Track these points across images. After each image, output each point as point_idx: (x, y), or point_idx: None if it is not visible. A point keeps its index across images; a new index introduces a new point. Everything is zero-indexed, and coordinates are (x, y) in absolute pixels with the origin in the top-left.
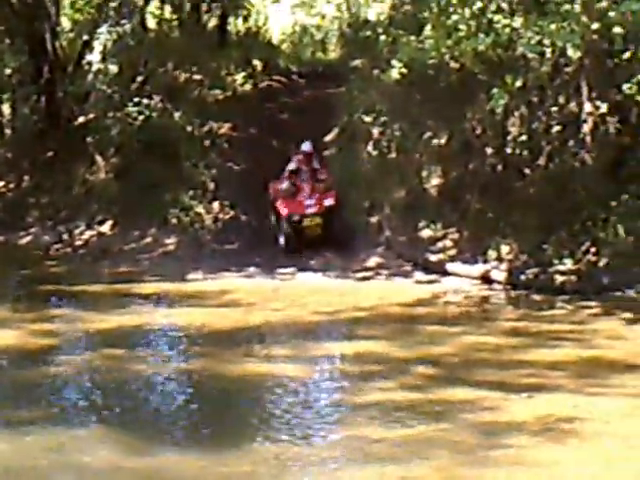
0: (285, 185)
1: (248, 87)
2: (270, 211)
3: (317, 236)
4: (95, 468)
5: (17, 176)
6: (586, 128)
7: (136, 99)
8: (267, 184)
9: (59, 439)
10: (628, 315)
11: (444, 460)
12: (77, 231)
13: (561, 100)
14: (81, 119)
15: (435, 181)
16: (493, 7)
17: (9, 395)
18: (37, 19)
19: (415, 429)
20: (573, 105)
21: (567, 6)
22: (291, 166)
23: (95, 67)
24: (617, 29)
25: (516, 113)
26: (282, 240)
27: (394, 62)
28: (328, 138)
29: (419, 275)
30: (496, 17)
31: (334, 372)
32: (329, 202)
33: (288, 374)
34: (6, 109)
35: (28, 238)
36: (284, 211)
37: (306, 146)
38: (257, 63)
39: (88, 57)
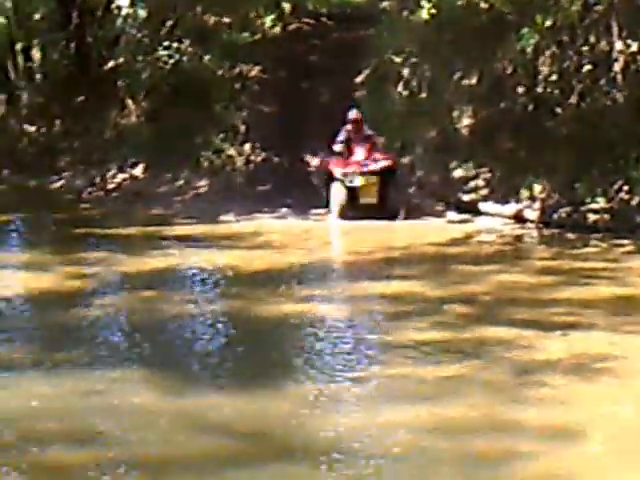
0: (338, 147)
1: (277, 30)
2: (319, 177)
3: (372, 205)
4: (135, 410)
5: (48, 121)
6: (617, 67)
7: (166, 43)
8: (298, 128)
9: (98, 382)
10: None
11: (478, 398)
12: (109, 175)
13: (592, 39)
14: (111, 64)
15: (466, 121)
16: None
17: (47, 339)
18: None
19: (450, 368)
20: (604, 44)
21: None
22: (340, 137)
23: (124, 11)
24: None
25: (547, 52)
26: (334, 207)
27: (423, 2)
28: (358, 80)
29: (452, 215)
30: None
31: (369, 312)
32: (386, 163)
33: (324, 314)
34: (36, 54)
35: (61, 182)
36: (337, 171)
37: (352, 113)
38: (286, 5)
39: (117, 2)
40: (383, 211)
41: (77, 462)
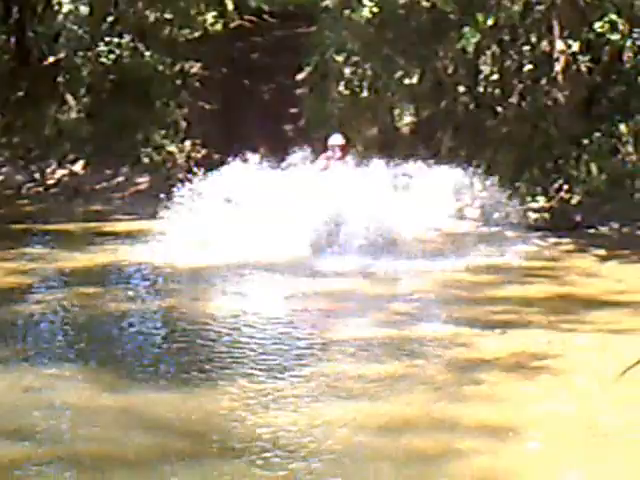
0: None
1: (219, 27)
2: None
3: None
4: (71, 406)
5: None
6: (558, 67)
7: (107, 39)
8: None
9: (36, 378)
10: (601, 252)
11: (417, 396)
12: (49, 170)
13: (533, 39)
14: (51, 59)
15: (408, 120)
16: None
17: None
18: None
19: (389, 365)
20: (545, 44)
21: None
22: (319, 165)
23: (66, 8)
24: None
25: (488, 52)
26: None
27: (365, 1)
28: (299, 77)
29: None
30: None
31: (309, 309)
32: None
33: (264, 311)
34: None
35: None
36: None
37: (336, 139)
38: (228, 2)
39: None
40: None
41: (13, 458)
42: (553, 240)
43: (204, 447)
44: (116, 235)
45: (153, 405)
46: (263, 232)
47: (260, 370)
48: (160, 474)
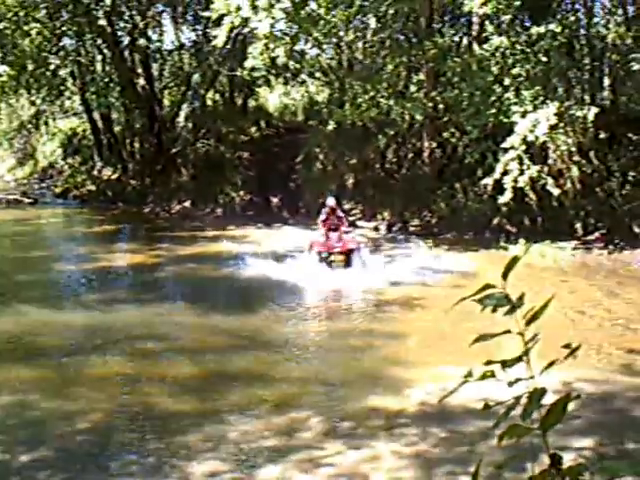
0: (320, 224)
1: (257, 135)
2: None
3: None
4: (183, 322)
5: (141, 179)
6: (425, 156)
7: (202, 141)
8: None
9: (164, 309)
10: (445, 247)
11: (355, 324)
12: (173, 205)
13: (413, 140)
14: (174, 150)
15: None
16: None
17: (139, 289)
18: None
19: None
20: (419, 144)
21: None
22: (321, 217)
23: (182, 124)
24: None
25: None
26: (315, 254)
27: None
28: (297, 160)
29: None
30: None
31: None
32: (351, 246)
33: None
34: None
35: (148, 209)
36: (315, 249)
37: (330, 201)
38: (262, 123)
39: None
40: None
41: (153, 350)
42: (426, 241)
43: (251, 343)
44: (208, 238)
45: (225, 323)
46: None
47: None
48: (229, 355)
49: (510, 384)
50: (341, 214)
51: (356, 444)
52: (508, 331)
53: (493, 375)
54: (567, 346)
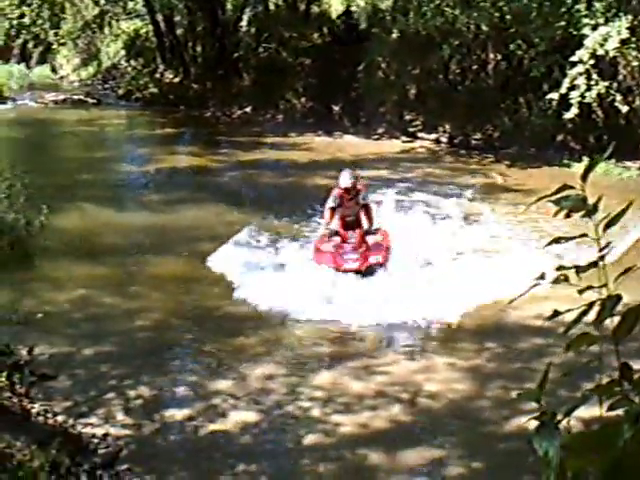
0: (326, 219)
1: (319, 41)
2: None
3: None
4: (237, 222)
5: (203, 83)
6: (489, 68)
7: (264, 45)
8: None
9: (214, 207)
10: (507, 162)
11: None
12: (234, 110)
13: (479, 52)
14: (235, 55)
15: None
16: None
17: (199, 191)
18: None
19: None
20: (483, 55)
21: None
22: (329, 204)
23: (244, 28)
24: None
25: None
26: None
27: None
28: (359, 68)
29: (404, 138)
30: None
31: None
32: (375, 260)
33: None
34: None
35: (209, 113)
36: (316, 260)
37: (345, 178)
38: (324, 28)
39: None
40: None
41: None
42: (484, 155)
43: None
44: (266, 144)
45: (283, 227)
46: None
47: None
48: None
49: (581, 292)
50: (365, 197)
51: (411, 355)
52: (585, 234)
53: (567, 279)
54: None
